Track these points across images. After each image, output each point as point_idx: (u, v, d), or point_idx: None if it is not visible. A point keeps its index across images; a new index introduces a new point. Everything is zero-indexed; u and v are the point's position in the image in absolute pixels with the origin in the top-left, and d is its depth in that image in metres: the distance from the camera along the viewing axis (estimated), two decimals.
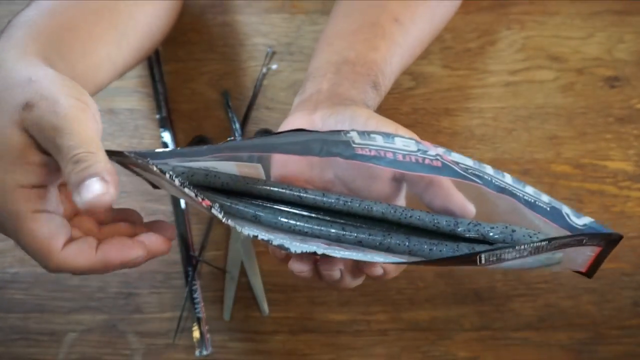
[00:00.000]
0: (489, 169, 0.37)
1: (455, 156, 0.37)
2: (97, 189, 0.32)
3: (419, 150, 0.37)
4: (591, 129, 0.61)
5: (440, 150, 0.37)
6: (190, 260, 0.57)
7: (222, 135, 0.61)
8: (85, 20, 0.46)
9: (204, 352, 0.54)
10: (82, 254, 0.35)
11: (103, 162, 0.33)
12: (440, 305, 0.56)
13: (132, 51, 0.51)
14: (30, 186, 0.34)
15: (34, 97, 0.34)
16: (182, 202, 0.58)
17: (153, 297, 0.56)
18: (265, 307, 0.56)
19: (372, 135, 0.38)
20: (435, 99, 0.63)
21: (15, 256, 0.57)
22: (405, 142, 0.38)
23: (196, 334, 0.55)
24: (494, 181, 0.37)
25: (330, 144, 0.39)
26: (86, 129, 0.34)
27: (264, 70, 0.63)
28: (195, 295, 0.55)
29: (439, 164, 0.37)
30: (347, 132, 0.38)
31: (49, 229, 0.35)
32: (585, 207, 0.59)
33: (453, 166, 0.37)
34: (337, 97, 0.45)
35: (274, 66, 0.63)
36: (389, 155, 0.37)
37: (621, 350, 0.55)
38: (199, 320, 0.55)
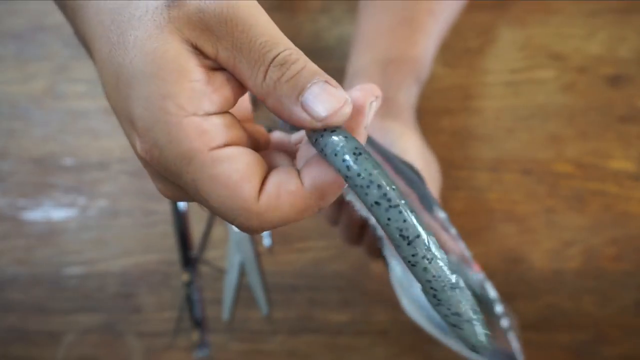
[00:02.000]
0: None
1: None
2: (331, 98, 0.24)
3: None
4: (593, 128, 0.61)
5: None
6: (189, 261, 0.56)
7: None
8: None
9: (204, 353, 0.54)
10: (289, 189, 0.25)
11: (312, 63, 0.25)
12: None
13: None
14: (202, 113, 0.24)
15: None
16: (181, 203, 0.58)
17: (152, 297, 0.56)
18: (265, 307, 0.56)
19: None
20: (436, 98, 0.63)
21: (14, 256, 0.57)
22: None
23: (195, 334, 0.55)
24: None
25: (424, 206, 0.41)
26: (268, 19, 0.25)
27: None
28: (194, 296, 0.55)
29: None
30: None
31: (238, 171, 0.24)
32: (587, 207, 0.59)
33: None
34: (386, 104, 0.46)
35: None
36: None
37: (623, 352, 0.55)
38: (198, 321, 0.55)
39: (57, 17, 0.65)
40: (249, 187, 0.25)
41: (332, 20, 0.65)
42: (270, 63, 0.24)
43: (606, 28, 0.65)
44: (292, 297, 0.56)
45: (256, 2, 0.25)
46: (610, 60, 0.63)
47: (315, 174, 0.25)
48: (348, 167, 0.24)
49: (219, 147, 0.25)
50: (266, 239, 0.58)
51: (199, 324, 0.55)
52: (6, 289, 0.56)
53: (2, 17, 0.65)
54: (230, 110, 0.27)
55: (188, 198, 0.27)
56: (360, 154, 0.24)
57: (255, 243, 0.58)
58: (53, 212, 0.58)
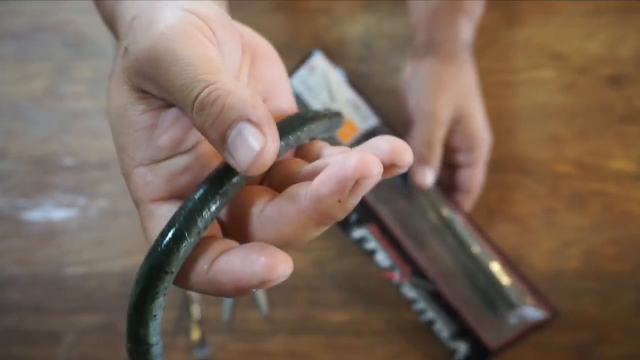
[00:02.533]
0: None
1: None
2: (250, 145, 0.22)
3: None
4: (593, 128, 0.61)
5: None
6: None
7: None
8: None
9: (204, 353, 0.54)
10: (193, 270, 0.24)
11: (238, 95, 0.22)
12: None
13: None
14: (149, 162, 0.25)
15: (128, 36, 0.25)
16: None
17: None
18: (265, 307, 0.56)
19: None
20: None
21: (14, 257, 0.57)
22: None
23: (195, 334, 0.55)
24: None
25: None
26: (198, 45, 0.24)
27: None
28: (194, 296, 0.55)
29: None
30: None
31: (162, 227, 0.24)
32: (587, 206, 0.59)
33: None
34: (438, 45, 0.55)
35: None
36: None
37: (623, 352, 0.55)
38: (198, 321, 0.55)
39: (57, 17, 0.65)
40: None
41: (332, 20, 0.65)
42: (192, 109, 0.23)
43: (606, 28, 0.65)
44: (292, 297, 0.56)
45: (183, 31, 0.24)
46: (610, 60, 0.63)
47: (218, 271, 0.24)
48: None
49: (160, 198, 0.25)
50: None
51: (198, 324, 0.55)
52: (6, 289, 0.56)
53: (2, 17, 0.65)
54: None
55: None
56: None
57: None
58: (53, 212, 0.58)
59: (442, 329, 0.53)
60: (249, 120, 0.22)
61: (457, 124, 0.53)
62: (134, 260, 0.57)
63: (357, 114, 0.56)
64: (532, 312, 0.53)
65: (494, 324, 0.53)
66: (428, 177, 0.51)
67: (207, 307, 0.56)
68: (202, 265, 0.24)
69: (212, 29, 0.25)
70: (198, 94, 0.22)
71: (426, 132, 0.51)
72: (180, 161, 0.26)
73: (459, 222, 0.54)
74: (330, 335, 0.56)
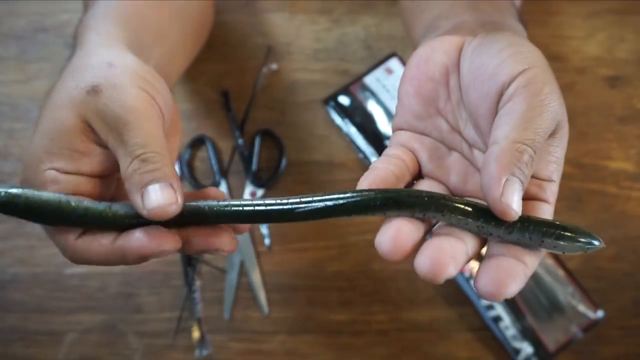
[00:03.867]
0: None
1: None
2: (163, 197, 0.30)
3: None
4: (592, 129, 0.61)
5: None
6: (189, 260, 0.57)
7: (222, 135, 0.61)
8: (151, 6, 0.44)
9: (204, 352, 0.54)
10: (97, 242, 0.32)
11: (170, 167, 0.31)
12: (440, 305, 0.56)
13: (195, 37, 0.52)
14: (62, 171, 0.32)
15: (102, 83, 0.32)
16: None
17: (153, 297, 0.56)
18: (265, 307, 0.56)
19: None
20: None
21: (15, 256, 0.57)
22: None
23: (196, 334, 0.55)
24: None
25: None
26: (153, 126, 0.32)
27: (264, 70, 0.63)
28: (195, 296, 0.55)
29: None
30: None
31: None
32: (586, 207, 0.59)
33: None
34: (490, 25, 0.40)
35: (274, 66, 0.63)
36: None
37: (622, 351, 0.55)
38: (198, 320, 0.55)
39: (58, 18, 0.65)
40: (68, 232, 0.32)
41: (332, 21, 0.65)
42: (135, 157, 0.31)
43: (605, 29, 0.65)
44: (292, 297, 0.57)
45: (153, 109, 0.33)
46: (609, 61, 0.64)
47: (126, 241, 0.31)
48: None
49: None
50: (266, 239, 0.58)
51: (199, 323, 0.55)
52: (7, 288, 0.56)
53: (4, 19, 0.65)
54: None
55: None
56: None
57: (255, 243, 0.58)
58: None
59: (509, 327, 0.54)
60: (170, 185, 0.31)
61: None
62: None
63: None
64: (584, 313, 0.54)
65: (549, 326, 0.54)
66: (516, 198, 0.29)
67: (207, 307, 0.56)
68: (107, 238, 0.32)
69: (163, 102, 0.34)
70: (147, 152, 0.31)
71: (521, 118, 0.30)
72: (81, 179, 0.33)
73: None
74: (330, 335, 0.56)
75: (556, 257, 0.56)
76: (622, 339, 0.55)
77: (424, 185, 0.35)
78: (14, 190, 0.30)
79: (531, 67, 0.32)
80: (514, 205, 0.28)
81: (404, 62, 0.62)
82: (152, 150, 0.31)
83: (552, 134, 0.32)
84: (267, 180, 0.59)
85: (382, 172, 0.33)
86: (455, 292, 0.56)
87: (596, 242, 0.30)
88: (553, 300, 0.54)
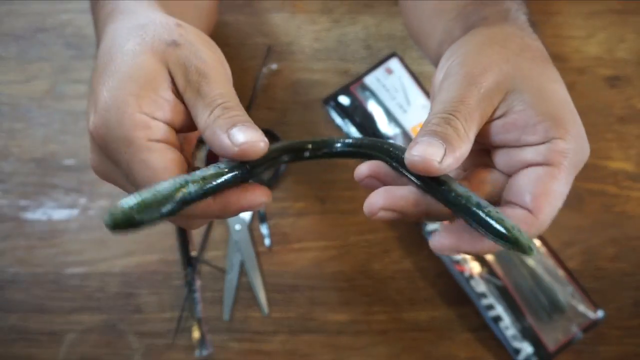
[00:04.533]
0: None
1: None
2: (253, 135, 0.30)
3: None
4: (592, 129, 0.61)
5: None
6: (190, 261, 0.57)
7: None
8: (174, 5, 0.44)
9: (204, 352, 0.54)
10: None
11: (248, 116, 0.32)
12: (440, 305, 0.56)
13: (210, 14, 0.52)
14: (152, 116, 0.31)
15: (180, 39, 0.33)
16: None
17: (153, 297, 0.56)
18: (265, 307, 0.56)
19: None
20: None
21: (15, 256, 0.57)
22: None
23: (196, 334, 0.55)
24: None
25: None
26: (227, 82, 0.33)
27: (264, 70, 0.63)
28: (195, 296, 0.55)
29: None
30: None
31: (165, 161, 0.31)
32: (586, 207, 0.59)
33: None
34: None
35: (274, 66, 0.63)
36: None
37: (622, 351, 0.55)
38: (198, 321, 0.55)
39: (57, 18, 0.65)
40: (169, 175, 0.31)
41: (332, 20, 0.65)
42: (217, 106, 0.31)
43: (605, 29, 0.65)
44: (292, 297, 0.57)
45: (223, 68, 0.34)
46: (609, 61, 0.64)
47: (226, 194, 0.31)
48: None
49: (156, 140, 0.31)
50: (266, 239, 0.58)
51: (199, 323, 0.55)
52: (7, 288, 0.56)
53: (4, 19, 0.65)
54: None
55: (113, 174, 0.33)
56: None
57: (255, 243, 0.58)
58: (54, 212, 0.59)
59: (509, 327, 0.54)
60: (255, 128, 0.31)
61: (513, 96, 0.33)
62: (134, 260, 0.57)
63: None
64: (584, 313, 0.54)
65: (549, 326, 0.54)
66: (435, 157, 0.30)
67: (207, 307, 0.56)
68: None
69: (226, 67, 0.35)
70: (227, 102, 0.31)
71: (448, 99, 0.32)
72: (170, 129, 0.32)
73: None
74: (330, 335, 0.56)
75: (556, 257, 0.56)
76: (622, 339, 0.55)
77: None
78: (129, 202, 0.27)
79: (569, 134, 0.33)
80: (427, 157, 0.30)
81: (404, 62, 0.62)
82: (235, 102, 0.32)
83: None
84: (267, 180, 0.59)
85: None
86: (455, 292, 0.56)
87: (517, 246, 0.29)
88: (553, 300, 0.54)
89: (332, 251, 0.58)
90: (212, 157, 0.60)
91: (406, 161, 0.30)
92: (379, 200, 0.31)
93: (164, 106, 0.32)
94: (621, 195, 0.59)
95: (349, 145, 0.35)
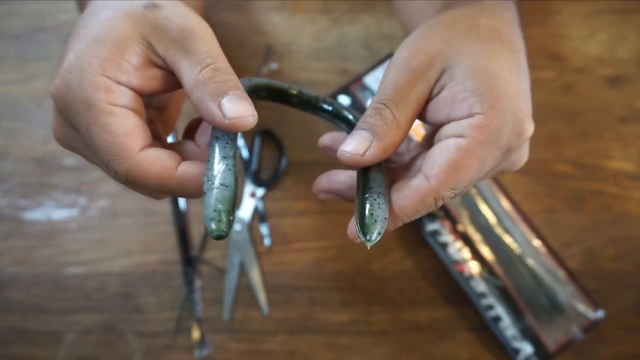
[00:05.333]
0: None
1: None
2: (244, 107, 0.30)
3: None
4: (592, 129, 0.61)
5: None
6: (189, 261, 0.56)
7: None
8: None
9: (204, 352, 0.54)
10: (162, 161, 0.31)
11: (234, 77, 0.31)
12: (441, 305, 0.56)
13: None
14: (115, 80, 0.30)
15: (159, 2, 0.32)
16: (182, 203, 0.58)
17: (152, 297, 0.56)
18: (265, 307, 0.56)
19: None
20: None
21: (15, 256, 0.57)
22: None
23: (195, 334, 0.55)
24: None
25: None
26: (214, 40, 0.32)
27: (264, 69, 0.63)
28: (194, 295, 0.55)
29: None
30: None
31: (127, 125, 0.30)
32: (586, 207, 0.59)
33: None
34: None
35: (274, 66, 0.63)
36: None
37: (622, 351, 0.55)
38: (198, 321, 0.55)
39: (57, 17, 0.65)
40: (130, 141, 0.30)
41: (332, 20, 0.65)
42: (207, 66, 0.30)
43: (605, 29, 0.65)
44: (292, 297, 0.56)
45: (209, 29, 0.32)
46: (610, 61, 0.64)
47: (189, 167, 0.31)
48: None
49: (118, 105, 0.30)
50: (266, 239, 0.58)
51: (198, 324, 0.55)
52: (7, 288, 0.56)
53: (3, 18, 0.65)
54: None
55: (73, 140, 0.32)
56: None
57: (255, 243, 0.58)
58: (53, 212, 0.58)
59: (509, 327, 0.54)
60: (246, 99, 0.30)
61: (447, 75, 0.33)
62: (134, 260, 0.57)
63: None
64: (584, 313, 0.54)
65: (549, 326, 0.54)
66: (358, 151, 0.32)
67: (207, 307, 0.56)
68: (170, 161, 0.31)
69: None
70: (217, 63, 0.30)
71: (382, 87, 0.33)
72: (135, 95, 0.32)
73: (513, 219, 0.56)
74: (330, 335, 0.56)
75: (556, 257, 0.56)
76: (622, 339, 0.55)
77: None
78: (221, 212, 0.29)
79: (492, 109, 0.32)
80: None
81: None
82: (224, 63, 0.31)
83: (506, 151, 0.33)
84: (267, 180, 0.59)
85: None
86: (455, 292, 0.56)
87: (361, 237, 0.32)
88: (553, 300, 0.54)
89: (332, 251, 0.58)
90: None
91: (338, 156, 0.32)
92: (322, 184, 0.36)
93: (130, 71, 0.31)
94: (621, 195, 0.59)
95: (330, 104, 0.39)
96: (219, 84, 0.30)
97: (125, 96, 0.31)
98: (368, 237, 0.31)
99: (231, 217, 0.28)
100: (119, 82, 0.31)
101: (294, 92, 0.38)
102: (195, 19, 0.32)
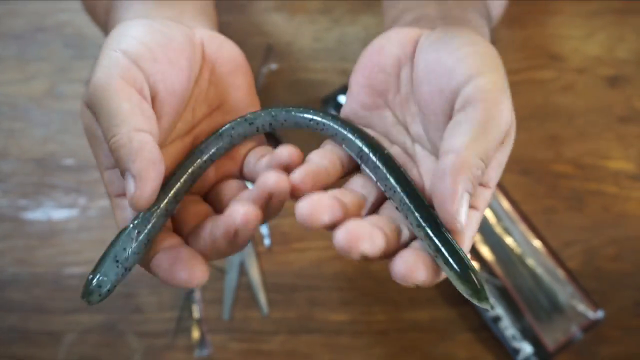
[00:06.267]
0: None
1: None
2: (129, 190, 0.29)
3: None
4: (591, 129, 0.61)
5: None
6: None
7: None
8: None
9: (204, 352, 0.54)
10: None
11: (130, 146, 0.29)
12: (441, 305, 0.56)
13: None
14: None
15: (93, 73, 0.31)
16: None
17: (152, 297, 0.56)
18: (265, 307, 0.56)
19: None
20: None
21: (15, 256, 0.57)
22: None
23: (195, 334, 0.55)
24: None
25: None
26: (116, 98, 0.30)
27: (264, 69, 0.63)
28: (194, 295, 0.55)
29: None
30: None
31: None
32: (586, 207, 0.59)
33: None
34: (451, 19, 0.39)
35: (274, 66, 0.63)
36: None
37: (622, 351, 0.55)
38: (198, 321, 0.55)
39: (57, 17, 0.65)
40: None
41: (332, 20, 0.65)
42: (109, 143, 0.30)
43: (605, 29, 0.65)
44: (292, 297, 0.56)
45: (106, 84, 0.30)
46: (609, 61, 0.64)
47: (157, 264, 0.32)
48: None
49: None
50: (266, 239, 0.58)
51: (198, 324, 0.55)
52: (7, 288, 0.56)
53: (3, 18, 0.65)
54: None
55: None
56: None
57: (255, 243, 0.58)
58: (53, 212, 0.58)
59: (508, 327, 0.54)
60: (130, 173, 0.29)
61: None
62: None
63: None
64: (584, 313, 0.54)
65: (549, 326, 0.54)
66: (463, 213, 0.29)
67: (207, 307, 0.56)
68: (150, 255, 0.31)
69: (140, 67, 0.31)
70: (109, 140, 0.29)
71: (478, 129, 0.30)
72: None
73: (514, 220, 0.56)
74: (330, 335, 0.56)
75: (556, 257, 0.56)
76: (622, 339, 0.55)
77: (356, 181, 0.34)
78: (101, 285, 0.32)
79: (489, 71, 0.31)
80: (462, 219, 0.28)
81: None
82: (112, 135, 0.30)
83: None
84: None
85: (314, 167, 0.32)
86: (455, 292, 0.56)
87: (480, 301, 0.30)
88: (553, 300, 0.54)
89: (332, 251, 0.57)
90: None
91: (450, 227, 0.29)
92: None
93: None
94: (621, 195, 0.59)
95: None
96: (120, 162, 0.30)
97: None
98: (487, 301, 0.29)
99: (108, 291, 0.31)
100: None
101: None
102: (96, 89, 0.31)
